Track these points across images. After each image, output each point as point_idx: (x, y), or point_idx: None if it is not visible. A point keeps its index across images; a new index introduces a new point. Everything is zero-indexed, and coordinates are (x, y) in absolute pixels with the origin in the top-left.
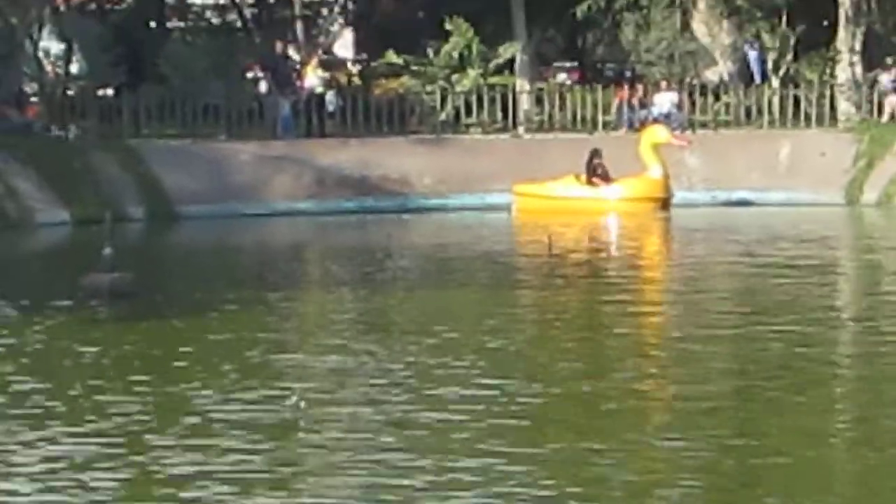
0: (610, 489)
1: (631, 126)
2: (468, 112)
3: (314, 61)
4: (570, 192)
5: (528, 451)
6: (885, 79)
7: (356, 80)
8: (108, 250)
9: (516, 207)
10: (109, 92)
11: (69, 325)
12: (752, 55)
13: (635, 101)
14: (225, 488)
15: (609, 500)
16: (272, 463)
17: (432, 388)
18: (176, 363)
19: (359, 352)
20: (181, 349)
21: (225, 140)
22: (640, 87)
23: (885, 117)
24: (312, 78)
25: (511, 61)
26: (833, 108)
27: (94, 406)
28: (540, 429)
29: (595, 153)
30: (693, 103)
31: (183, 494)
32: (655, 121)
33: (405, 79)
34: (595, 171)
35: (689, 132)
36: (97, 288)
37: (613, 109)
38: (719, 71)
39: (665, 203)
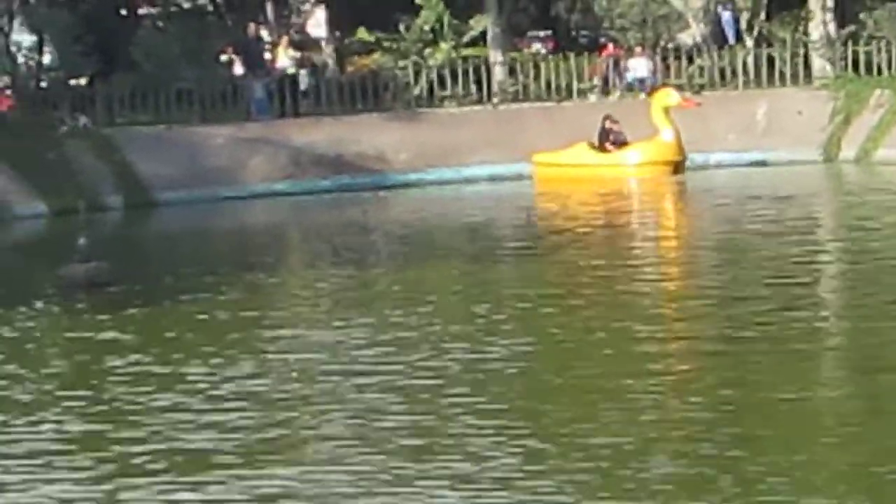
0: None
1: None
2: (442, 86)
3: (284, 41)
4: (584, 159)
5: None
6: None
7: (330, 60)
8: (82, 240)
9: (536, 177)
10: (82, 81)
11: (49, 315)
12: (725, 16)
13: (621, 61)
14: (238, 461)
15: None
16: (282, 435)
17: (429, 355)
18: (162, 346)
19: (353, 325)
20: (165, 334)
21: (199, 125)
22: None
23: None
24: (284, 59)
25: (483, 33)
26: (808, 65)
27: (90, 390)
28: (533, 392)
29: (607, 118)
30: (668, 67)
31: (196, 469)
32: (630, 87)
33: (378, 55)
34: (607, 137)
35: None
36: (74, 279)
37: (602, 69)
38: (693, 34)
39: (678, 166)
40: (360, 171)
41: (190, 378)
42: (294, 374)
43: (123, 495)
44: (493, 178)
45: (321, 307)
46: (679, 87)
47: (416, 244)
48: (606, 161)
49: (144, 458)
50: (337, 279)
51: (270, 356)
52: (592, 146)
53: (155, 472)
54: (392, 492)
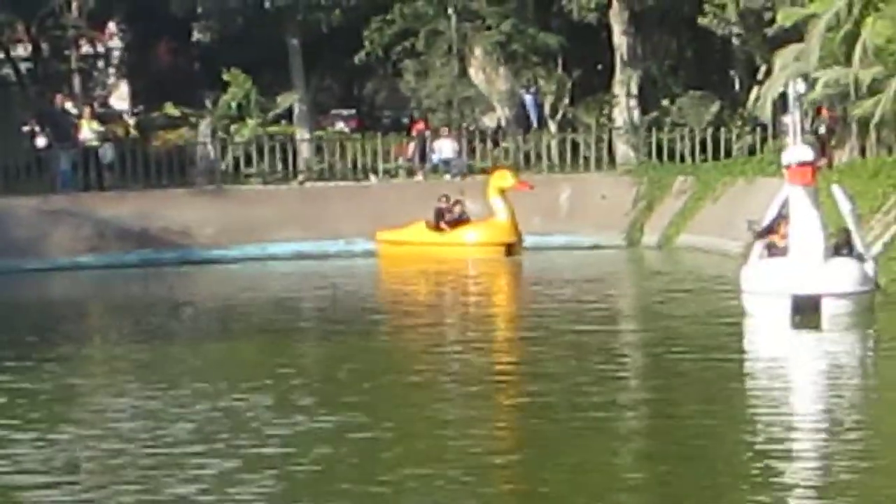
0: None
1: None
2: (248, 162)
3: (87, 114)
4: (422, 237)
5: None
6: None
7: (134, 133)
8: None
9: (380, 255)
10: None
11: None
12: (529, 100)
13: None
14: None
15: None
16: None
17: (219, 428)
18: None
19: (162, 397)
20: None
21: (3, 195)
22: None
23: None
24: (87, 131)
25: (289, 110)
26: (611, 151)
27: None
28: (346, 466)
29: (443, 198)
30: (473, 149)
31: None
32: (435, 168)
33: (184, 130)
34: (442, 217)
35: (469, 178)
36: None
37: (410, 149)
38: (497, 116)
39: (512, 247)
40: (165, 246)
41: None
42: (95, 446)
43: None
44: (297, 256)
45: (129, 379)
46: (483, 170)
47: (223, 319)
48: (443, 240)
49: None
50: (145, 353)
51: (78, 426)
52: (429, 225)
53: None
54: None
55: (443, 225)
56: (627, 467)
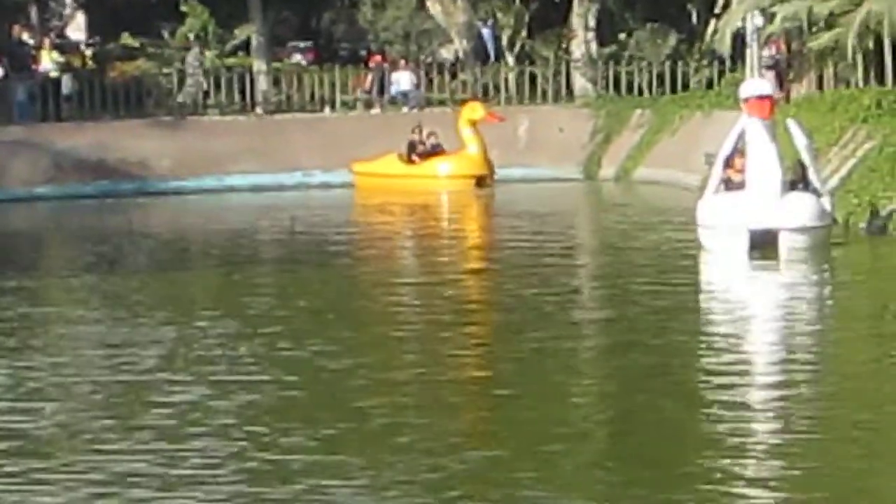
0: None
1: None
2: (206, 94)
3: (47, 44)
4: (394, 169)
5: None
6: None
7: (91, 64)
8: None
9: (356, 186)
10: None
11: None
12: (486, 33)
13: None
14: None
15: None
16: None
17: (184, 356)
18: None
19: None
20: None
21: None
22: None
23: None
24: (47, 62)
25: (247, 42)
26: (569, 84)
27: None
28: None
29: (415, 130)
30: (431, 81)
31: None
32: (393, 100)
33: (141, 61)
34: (414, 149)
35: (427, 110)
36: None
37: (368, 81)
38: (455, 49)
39: (483, 180)
40: (123, 177)
41: None
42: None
43: None
44: (254, 188)
45: (91, 309)
46: (441, 103)
47: (183, 250)
48: (414, 172)
49: None
50: (105, 283)
51: (43, 353)
52: (401, 157)
53: None
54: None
55: (414, 157)
56: (581, 393)
